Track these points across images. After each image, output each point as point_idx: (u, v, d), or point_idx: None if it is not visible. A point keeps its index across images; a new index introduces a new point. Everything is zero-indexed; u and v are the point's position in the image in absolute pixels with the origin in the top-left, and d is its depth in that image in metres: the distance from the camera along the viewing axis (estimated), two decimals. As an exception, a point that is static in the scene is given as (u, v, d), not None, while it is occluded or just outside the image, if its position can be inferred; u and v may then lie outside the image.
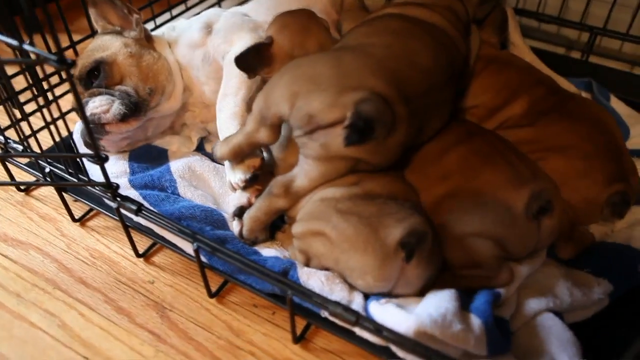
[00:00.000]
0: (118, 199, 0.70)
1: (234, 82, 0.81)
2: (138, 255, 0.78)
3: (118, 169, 0.82)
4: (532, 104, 0.79)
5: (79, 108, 0.59)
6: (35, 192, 0.90)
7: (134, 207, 0.69)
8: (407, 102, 0.61)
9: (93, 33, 0.94)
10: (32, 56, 0.58)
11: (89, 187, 0.74)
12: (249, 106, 0.80)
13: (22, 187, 0.90)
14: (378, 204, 0.60)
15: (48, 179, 0.78)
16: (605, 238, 0.77)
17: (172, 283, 0.75)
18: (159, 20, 1.13)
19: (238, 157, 0.72)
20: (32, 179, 0.86)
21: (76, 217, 0.84)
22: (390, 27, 0.72)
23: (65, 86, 1.00)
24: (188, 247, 0.71)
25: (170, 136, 0.92)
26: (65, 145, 0.90)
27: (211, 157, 0.89)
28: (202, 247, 0.65)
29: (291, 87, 0.63)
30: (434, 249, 0.59)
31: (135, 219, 0.73)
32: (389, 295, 0.61)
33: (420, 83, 0.65)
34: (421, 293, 0.62)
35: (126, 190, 0.79)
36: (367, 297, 0.64)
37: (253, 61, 0.76)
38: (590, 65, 1.12)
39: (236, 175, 0.74)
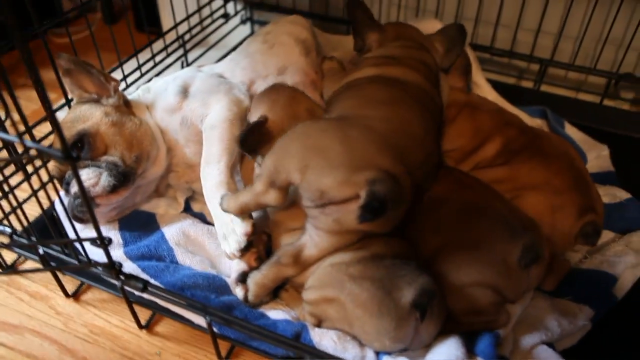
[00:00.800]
0: (122, 277, 0.70)
1: (216, 149, 0.82)
2: (141, 327, 0.78)
3: (113, 239, 0.82)
4: (505, 144, 0.85)
5: (79, 185, 0.58)
6: (20, 269, 0.88)
7: (140, 285, 0.69)
8: (409, 174, 0.65)
9: (67, 102, 0.93)
10: (32, 152, 0.57)
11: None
12: (231, 172, 0.82)
13: (4, 267, 0.87)
14: (387, 266, 0.64)
15: (33, 257, 0.77)
16: (579, 264, 0.84)
17: (179, 352, 0.75)
18: (129, 79, 1.12)
19: (244, 213, 0.74)
20: (13, 256, 0.84)
21: (69, 292, 0.83)
22: (379, 97, 0.75)
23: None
24: (197, 319, 0.72)
25: (157, 199, 0.93)
26: (48, 217, 0.89)
27: (201, 218, 0.90)
28: (215, 320, 0.66)
29: (302, 159, 0.64)
30: (440, 304, 0.63)
31: (137, 293, 0.73)
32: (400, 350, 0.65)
33: (418, 153, 0.70)
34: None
35: (123, 262, 0.78)
36: (377, 352, 0.68)
37: (255, 141, 0.78)
38: (542, 93, 1.21)
39: (231, 246, 0.75)
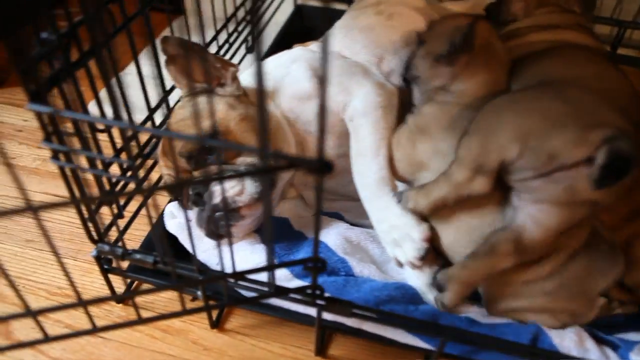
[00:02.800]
0: (320, 301, 0.58)
1: (371, 140, 0.71)
2: (318, 352, 0.67)
3: (263, 257, 0.69)
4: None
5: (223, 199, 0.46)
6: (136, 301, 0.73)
7: (348, 310, 0.58)
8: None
9: (165, 95, 0.77)
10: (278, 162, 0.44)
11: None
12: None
13: (118, 299, 0.72)
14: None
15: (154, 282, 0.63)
16: None
17: (369, 376, 0.66)
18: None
19: (438, 211, 0.64)
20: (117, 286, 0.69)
21: (210, 324, 0.69)
22: (579, 59, 0.69)
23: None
24: (404, 337, 0.62)
25: (282, 202, 0.80)
26: (157, 237, 0.74)
27: (338, 218, 0.79)
28: (450, 339, 0.57)
29: (518, 127, 0.57)
30: None
31: (331, 318, 0.62)
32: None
33: (633, 114, 0.63)
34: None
35: (289, 282, 0.66)
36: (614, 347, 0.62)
37: (467, 41, 0.66)
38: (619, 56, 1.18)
39: (407, 254, 0.65)
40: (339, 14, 0.93)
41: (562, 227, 0.59)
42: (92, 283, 0.75)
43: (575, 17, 0.79)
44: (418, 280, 0.67)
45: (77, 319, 0.70)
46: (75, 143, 0.53)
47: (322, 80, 0.38)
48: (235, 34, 1.00)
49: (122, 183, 0.70)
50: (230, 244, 0.55)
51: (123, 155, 0.69)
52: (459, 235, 0.64)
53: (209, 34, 0.95)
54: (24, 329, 0.69)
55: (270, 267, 0.55)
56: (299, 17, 1.28)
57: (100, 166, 0.62)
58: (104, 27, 0.59)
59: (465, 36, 0.66)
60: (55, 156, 0.53)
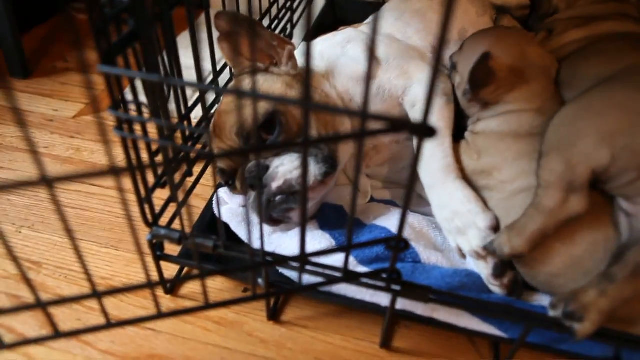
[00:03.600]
0: (397, 286, 0.54)
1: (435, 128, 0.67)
2: (383, 345, 0.63)
3: (323, 244, 0.65)
4: None
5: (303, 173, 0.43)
6: (182, 291, 0.69)
7: (427, 295, 0.54)
8: None
9: (216, 75, 0.73)
10: (378, 125, 0.41)
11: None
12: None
13: (168, 288, 0.68)
14: None
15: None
16: None
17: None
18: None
19: (536, 246, 0.57)
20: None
21: (268, 314, 0.65)
22: (623, 48, 0.66)
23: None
24: (479, 326, 0.58)
25: (336, 188, 0.76)
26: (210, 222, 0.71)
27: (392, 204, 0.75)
28: (540, 327, 0.53)
29: (601, 129, 0.53)
30: None
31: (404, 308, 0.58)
32: None
33: None
34: None
35: (354, 268, 0.62)
36: None
37: (484, 77, 0.65)
38: None
39: (472, 242, 0.62)
40: (370, 7, 0.91)
41: None
42: (138, 274, 0.71)
43: (618, 6, 0.77)
44: (482, 271, 0.63)
45: (124, 310, 0.66)
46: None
47: (440, 39, 0.34)
48: (275, 21, 0.97)
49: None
50: (298, 226, 0.52)
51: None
52: (568, 263, 0.57)
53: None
54: (69, 320, 0.65)
55: (348, 247, 0.51)
56: (332, 10, 1.26)
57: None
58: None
59: (481, 75, 0.65)
60: (119, 126, 0.49)
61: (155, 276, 0.63)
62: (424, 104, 0.39)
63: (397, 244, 0.50)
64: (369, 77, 0.38)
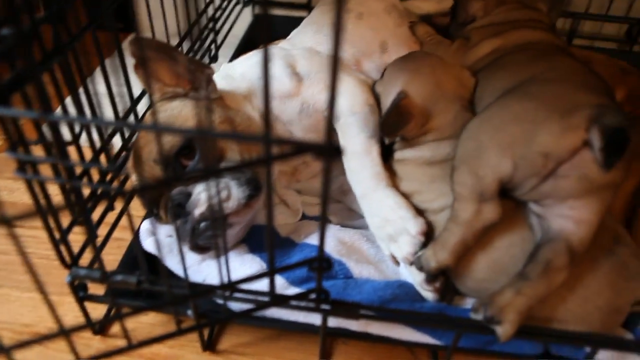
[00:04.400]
0: (327, 306, 0.54)
1: (362, 138, 0.69)
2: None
3: (254, 267, 0.64)
4: (630, 93, 0.82)
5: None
6: (113, 330, 0.66)
7: (356, 312, 0.54)
8: None
9: (133, 102, 0.71)
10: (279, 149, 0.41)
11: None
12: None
13: (97, 329, 0.65)
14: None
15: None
16: None
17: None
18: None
19: (460, 256, 0.59)
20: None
21: (202, 346, 0.64)
22: (529, 58, 0.69)
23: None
24: (414, 336, 0.59)
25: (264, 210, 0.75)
26: (131, 255, 0.69)
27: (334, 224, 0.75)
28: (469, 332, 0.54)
29: (500, 141, 0.55)
30: None
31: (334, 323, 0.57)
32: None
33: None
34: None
35: (285, 291, 0.62)
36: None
37: (396, 123, 0.66)
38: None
39: (403, 249, 0.63)
40: (300, 22, 0.92)
41: (602, 214, 0.55)
42: (65, 316, 0.68)
43: (532, 13, 0.80)
44: (415, 277, 0.64)
45: (50, 358, 0.63)
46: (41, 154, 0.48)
47: (334, 60, 0.34)
48: (198, 43, 0.96)
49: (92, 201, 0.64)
50: (219, 255, 0.51)
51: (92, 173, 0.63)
52: (492, 267, 0.59)
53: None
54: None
55: (271, 272, 0.50)
56: (258, 27, 1.26)
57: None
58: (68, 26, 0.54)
59: (395, 120, 0.66)
60: (21, 168, 0.47)
61: (81, 318, 0.60)
62: (325, 125, 0.39)
63: (320, 265, 0.50)
64: (268, 103, 0.38)
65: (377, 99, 0.73)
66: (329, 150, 0.40)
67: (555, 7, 0.86)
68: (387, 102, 0.70)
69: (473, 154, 0.57)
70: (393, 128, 0.66)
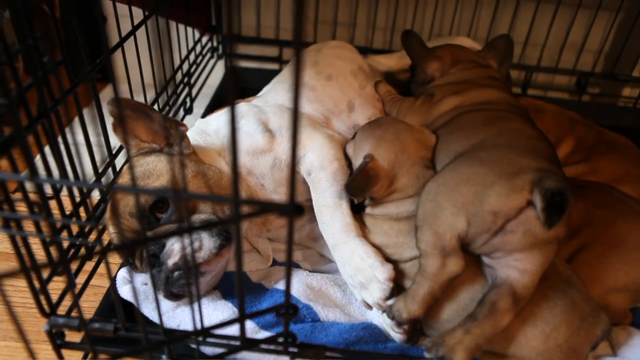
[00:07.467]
0: (294, 348, 0.58)
1: (332, 192, 0.74)
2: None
3: (226, 313, 0.67)
4: (578, 142, 0.90)
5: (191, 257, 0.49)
6: (89, 377, 0.68)
7: (323, 353, 0.57)
8: None
9: (111, 158, 0.75)
10: (250, 209, 0.45)
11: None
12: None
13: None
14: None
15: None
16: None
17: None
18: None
19: (430, 306, 0.63)
20: None
21: (177, 389, 0.66)
22: (479, 121, 0.74)
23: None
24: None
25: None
26: (109, 303, 0.71)
27: (304, 269, 0.79)
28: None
29: (455, 202, 0.61)
30: None
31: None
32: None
33: (545, 152, 0.69)
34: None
35: (256, 334, 0.65)
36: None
37: (362, 185, 0.71)
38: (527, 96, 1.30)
39: (374, 295, 0.67)
40: (272, 74, 0.98)
41: (545, 265, 0.61)
42: (41, 363, 0.70)
43: (486, 71, 0.87)
44: (386, 320, 0.68)
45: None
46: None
47: (294, 125, 0.40)
48: (173, 97, 1.01)
49: (71, 251, 0.67)
50: (192, 302, 0.54)
51: (72, 225, 0.66)
52: (456, 311, 0.65)
53: (140, 99, 0.95)
54: None
55: (241, 318, 0.54)
56: (225, 82, 1.32)
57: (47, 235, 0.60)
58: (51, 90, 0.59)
59: (361, 183, 0.71)
60: (6, 225, 0.50)
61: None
62: (288, 186, 0.43)
63: (287, 311, 0.54)
64: (236, 167, 0.43)
65: (347, 157, 0.79)
66: (292, 211, 0.44)
67: (505, 62, 0.94)
68: (356, 163, 0.75)
69: (432, 214, 0.63)
70: (360, 189, 0.71)
